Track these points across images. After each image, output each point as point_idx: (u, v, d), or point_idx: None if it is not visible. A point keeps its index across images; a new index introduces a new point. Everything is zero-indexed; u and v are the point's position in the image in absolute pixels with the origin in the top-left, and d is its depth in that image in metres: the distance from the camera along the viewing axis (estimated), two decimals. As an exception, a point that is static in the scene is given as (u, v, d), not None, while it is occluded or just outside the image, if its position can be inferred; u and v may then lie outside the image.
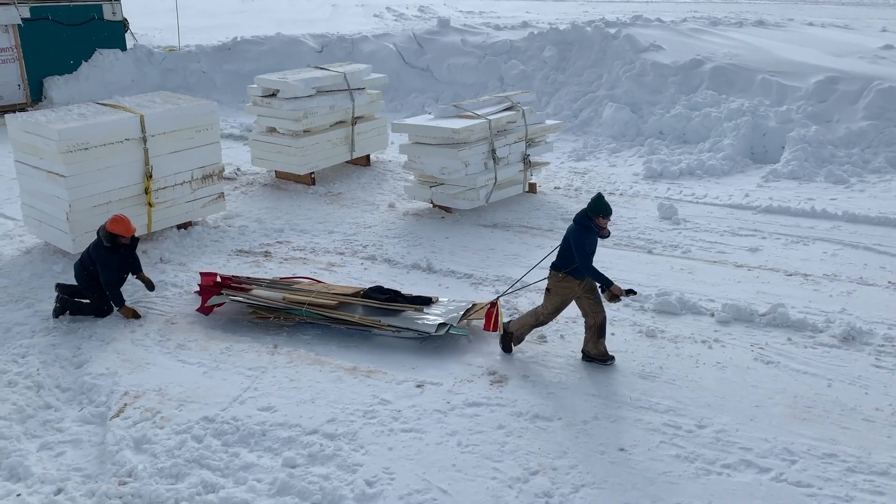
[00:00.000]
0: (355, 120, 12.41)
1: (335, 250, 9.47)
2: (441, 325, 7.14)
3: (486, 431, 5.82)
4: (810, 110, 13.40)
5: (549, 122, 12.06)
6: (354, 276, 8.70)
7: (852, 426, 5.75)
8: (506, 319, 7.15)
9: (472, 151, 10.41)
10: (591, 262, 6.48)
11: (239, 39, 18.98)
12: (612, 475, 5.27)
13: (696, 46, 16.15)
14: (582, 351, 6.88)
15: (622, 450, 5.55)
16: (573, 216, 6.66)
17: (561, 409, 6.08)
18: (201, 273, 8.10)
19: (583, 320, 6.84)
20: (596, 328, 6.71)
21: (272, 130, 12.07)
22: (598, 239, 6.63)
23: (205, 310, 7.82)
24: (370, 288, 7.82)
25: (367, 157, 13.04)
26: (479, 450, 5.60)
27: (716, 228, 10.06)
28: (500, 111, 11.11)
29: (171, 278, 8.61)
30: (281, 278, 8.26)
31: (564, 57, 17.09)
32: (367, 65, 13.55)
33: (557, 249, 6.74)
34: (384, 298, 7.57)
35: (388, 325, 7.24)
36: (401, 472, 5.38)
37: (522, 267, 8.84)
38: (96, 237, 7.72)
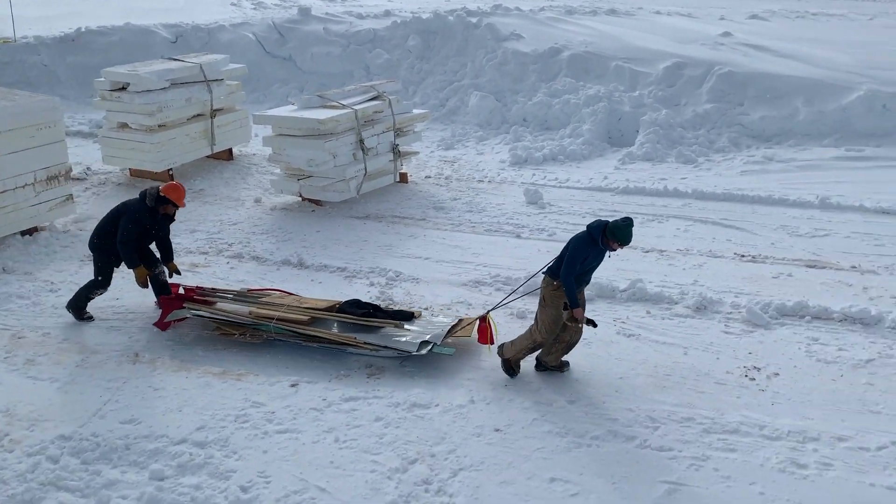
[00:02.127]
0: (214, 113, 11.91)
1: (198, 250, 9.07)
2: (423, 342, 6.62)
3: (363, 425, 5.77)
4: (660, 95, 14.18)
5: (416, 111, 12.09)
6: (220, 276, 8.37)
7: (706, 390, 6.15)
8: (499, 340, 6.68)
9: (340, 142, 10.26)
10: (573, 277, 6.05)
11: (84, 30, 17.73)
12: (489, 456, 5.38)
13: (554, 35, 16.68)
14: (537, 359, 6.49)
15: (498, 430, 5.67)
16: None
17: (437, 396, 6.13)
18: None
19: None
20: (569, 345, 6.38)
21: (124, 126, 11.38)
22: (605, 256, 6.30)
23: (163, 325, 7.21)
24: (346, 302, 7.28)
25: (230, 150, 12.57)
26: (357, 444, 5.55)
27: (578, 211, 10.45)
28: (366, 101, 11.00)
29: (17, 289, 7.95)
30: (249, 290, 7.67)
31: (429, 46, 17.16)
32: (225, 55, 13.04)
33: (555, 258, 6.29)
34: (361, 313, 7.04)
35: (366, 344, 6.70)
36: (277, 475, 5.24)
37: (396, 257, 8.86)
38: (137, 198, 7.20)
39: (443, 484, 5.11)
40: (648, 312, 7.55)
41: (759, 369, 6.45)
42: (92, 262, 7.46)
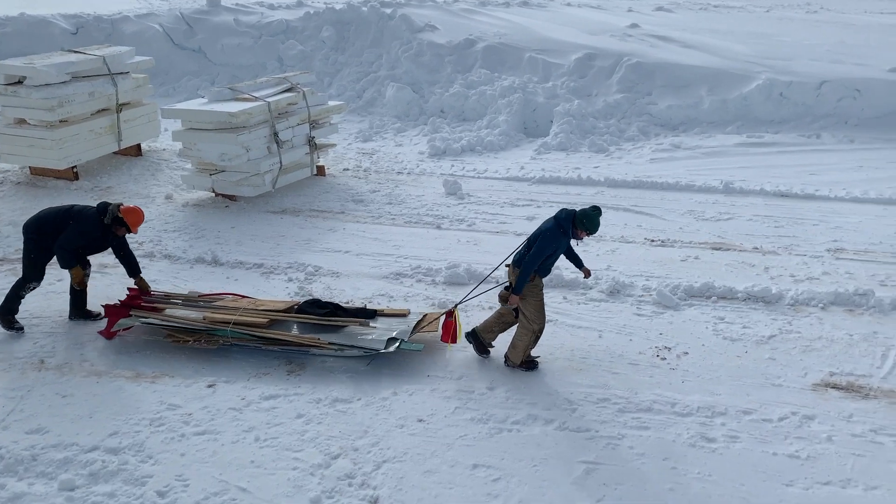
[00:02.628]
0: (120, 107, 11.46)
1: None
2: (391, 339, 6.52)
3: (284, 423, 5.70)
4: (572, 85, 14.49)
5: (332, 102, 11.96)
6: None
7: (621, 371, 6.36)
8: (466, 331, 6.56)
9: (253, 136, 10.05)
10: (536, 266, 6.09)
11: (-27, 20, 16.73)
12: (412, 446, 5.40)
13: (469, 26, 16.79)
14: (474, 330, 6.55)
15: (421, 420, 5.71)
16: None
17: (359, 390, 6.11)
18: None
19: None
20: (509, 325, 6.45)
21: (21, 122, 10.81)
22: (570, 244, 6.39)
23: (108, 334, 6.84)
24: (305, 302, 7.09)
25: (138, 146, 12.12)
26: (278, 442, 5.48)
27: (497, 201, 10.58)
28: (279, 93, 10.82)
29: None
30: (200, 295, 7.36)
31: (343, 37, 17.00)
32: (131, 47, 12.55)
33: (520, 248, 6.29)
34: (323, 313, 6.85)
35: (330, 344, 6.50)
36: (195, 477, 5.12)
37: (315, 252, 8.76)
38: (94, 208, 6.84)
39: (366, 477, 5.11)
40: (565, 298, 7.72)
41: (669, 349, 6.71)
42: (21, 257, 7.10)
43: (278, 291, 7.81)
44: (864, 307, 7.34)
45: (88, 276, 7.17)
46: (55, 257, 6.85)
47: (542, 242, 6.09)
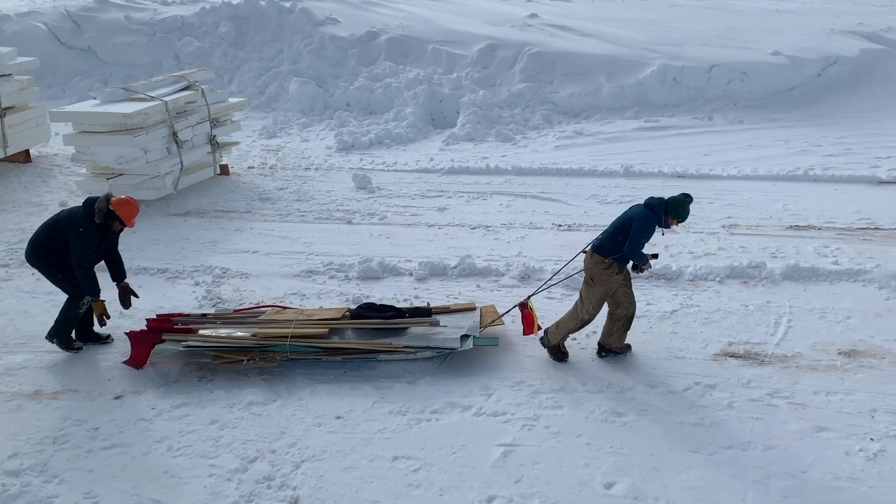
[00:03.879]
0: (4, 111, 10.82)
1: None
2: (464, 336, 6.32)
3: (198, 430, 5.56)
4: (477, 76, 14.65)
5: (232, 100, 11.68)
6: (26, 289, 7.69)
7: (534, 353, 6.50)
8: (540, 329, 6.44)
9: (151, 136, 9.71)
10: (640, 250, 5.96)
11: None
12: (331, 444, 5.37)
13: (371, 19, 16.69)
14: (599, 344, 6.40)
15: (339, 417, 5.68)
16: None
17: (274, 391, 6.02)
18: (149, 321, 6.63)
19: None
20: (627, 319, 6.24)
21: None
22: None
23: (137, 362, 6.31)
24: (359, 306, 6.80)
25: (27, 152, 11.51)
26: (192, 450, 5.34)
27: (407, 193, 10.60)
28: (176, 91, 10.47)
29: None
30: (235, 310, 6.95)
31: (242, 32, 16.59)
32: (12, 47, 11.86)
33: (602, 233, 6.13)
34: (388, 316, 6.58)
35: (404, 347, 6.24)
36: (106, 493, 4.93)
37: (222, 254, 8.55)
38: (80, 209, 6.14)
39: (285, 478, 5.05)
40: (478, 286, 7.83)
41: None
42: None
43: (185, 296, 7.59)
44: (758, 279, 7.77)
45: (87, 303, 6.54)
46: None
47: (639, 230, 5.91)
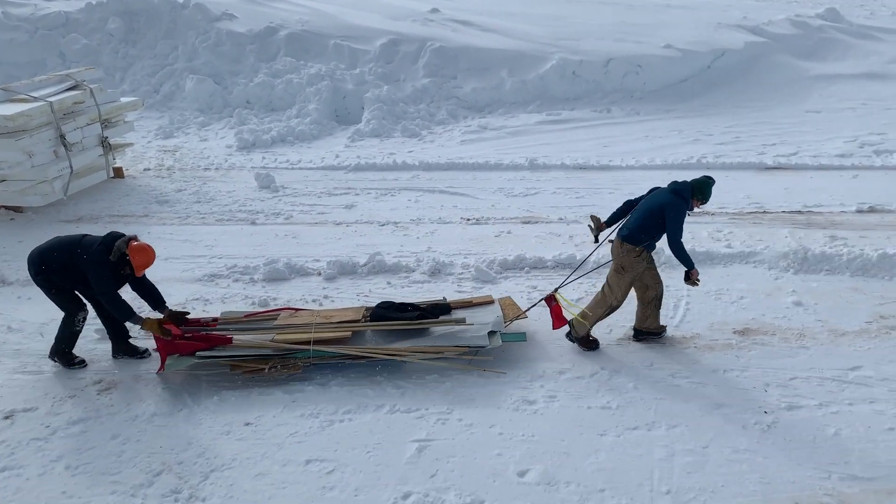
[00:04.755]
0: None
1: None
2: (491, 333, 6.25)
3: (98, 446, 5.29)
4: (380, 71, 14.57)
5: (125, 99, 11.17)
6: None
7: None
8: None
9: (35, 140, 9.16)
10: (680, 240, 6.04)
11: None
12: (240, 451, 5.22)
13: (268, 14, 16.33)
14: (634, 329, 6.52)
15: (248, 424, 5.52)
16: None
17: (179, 400, 5.80)
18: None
19: None
20: (657, 299, 6.35)
21: None
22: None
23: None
24: (377, 305, 6.55)
25: None
26: (92, 468, 5.07)
27: (313, 191, 10.43)
28: (63, 91, 9.92)
29: None
30: (246, 315, 6.63)
31: (133, 28, 15.89)
32: None
33: (630, 221, 6.20)
34: (414, 316, 6.35)
35: (435, 349, 6.06)
36: (-4, 521, 4.63)
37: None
38: (100, 239, 5.91)
39: (194, 489, 4.87)
40: (389, 283, 7.79)
41: (490, 322, 6.97)
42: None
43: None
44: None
45: (83, 320, 6.20)
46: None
47: (674, 216, 6.01)
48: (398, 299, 7.20)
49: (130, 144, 11.25)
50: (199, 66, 14.78)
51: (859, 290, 7.40)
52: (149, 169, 11.17)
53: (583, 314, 6.35)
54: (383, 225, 9.32)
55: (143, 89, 14.52)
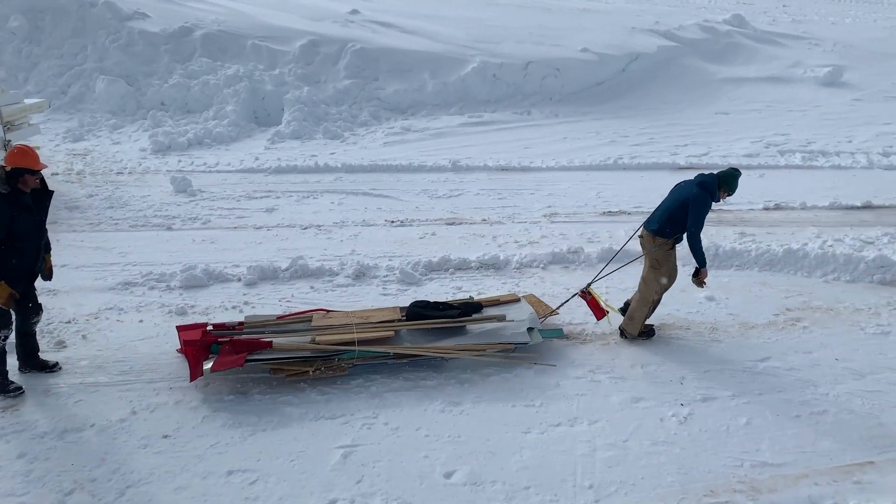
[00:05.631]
0: None
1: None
2: (530, 330, 6.35)
3: (2, 466, 5.00)
4: (300, 72, 14.38)
5: (29, 101, 10.65)
6: None
7: (371, 352, 6.46)
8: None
9: (-71, 143, 8.62)
10: (701, 230, 6.18)
11: None
12: (158, 465, 5.04)
13: (183, 13, 15.89)
14: (625, 303, 6.76)
15: (166, 436, 5.34)
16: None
17: (93, 414, 5.56)
18: (180, 327, 6.24)
19: None
20: (656, 304, 6.55)
21: None
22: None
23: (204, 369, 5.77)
24: (413, 304, 6.54)
25: None
26: (-4, 490, 4.80)
27: (232, 195, 10.20)
28: (-42, 92, 9.37)
29: None
30: (279, 317, 6.48)
31: (37, 27, 15.16)
32: None
33: (658, 215, 6.33)
34: (456, 314, 6.40)
35: (479, 347, 6.11)
36: None
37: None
38: None
39: (109, 508, 4.68)
40: (312, 287, 7.69)
41: (415, 324, 6.96)
42: None
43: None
44: (577, 263, 8.24)
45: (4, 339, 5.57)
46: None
47: (698, 209, 6.12)
48: (336, 304, 7.15)
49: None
50: (110, 67, 14.23)
51: (767, 285, 7.75)
52: (57, 174, 10.68)
53: (630, 316, 6.55)
54: (305, 228, 9.19)
55: (50, 90, 13.88)
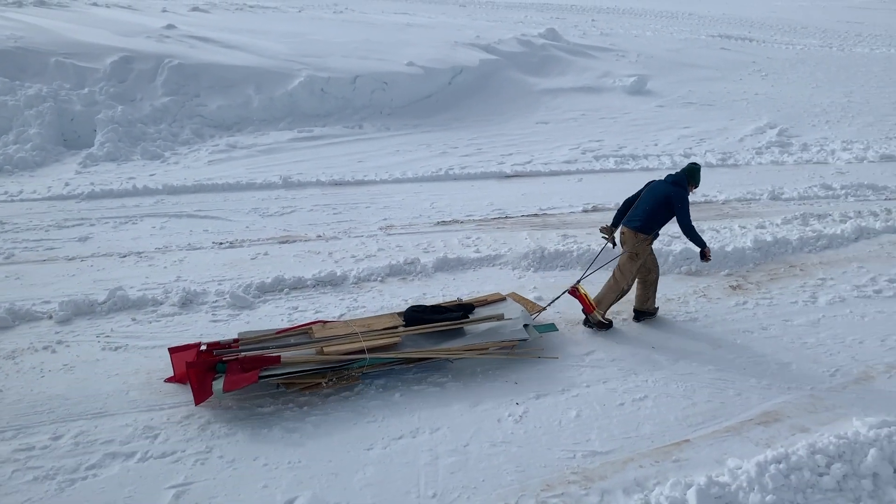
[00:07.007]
0: None
1: None
2: (526, 326, 6.60)
3: None
4: (113, 91, 13.50)
5: None
6: None
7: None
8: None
9: None
10: (692, 224, 6.81)
11: None
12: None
13: (-28, 28, 14.43)
14: (636, 310, 7.25)
15: (-34, 500, 4.77)
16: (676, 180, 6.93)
17: None
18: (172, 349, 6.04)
19: None
20: (656, 281, 7.11)
21: None
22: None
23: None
24: (410, 309, 6.63)
25: None
26: None
27: (39, 225, 9.36)
28: None
29: None
30: (278, 332, 6.33)
31: None
32: None
33: (638, 214, 6.89)
34: (457, 316, 6.57)
35: (482, 346, 6.32)
36: None
37: None
38: None
39: None
40: (134, 319, 7.20)
41: (249, 349, 6.70)
42: None
43: None
44: (414, 274, 8.33)
45: None
46: None
47: (682, 204, 6.75)
48: (161, 336, 6.73)
49: None
50: None
51: (588, 282, 8.22)
52: None
53: (598, 300, 7.02)
54: (125, 256, 8.61)
55: None
